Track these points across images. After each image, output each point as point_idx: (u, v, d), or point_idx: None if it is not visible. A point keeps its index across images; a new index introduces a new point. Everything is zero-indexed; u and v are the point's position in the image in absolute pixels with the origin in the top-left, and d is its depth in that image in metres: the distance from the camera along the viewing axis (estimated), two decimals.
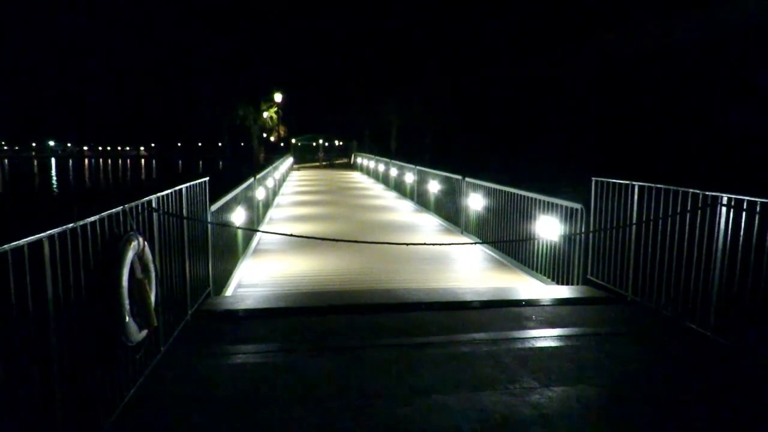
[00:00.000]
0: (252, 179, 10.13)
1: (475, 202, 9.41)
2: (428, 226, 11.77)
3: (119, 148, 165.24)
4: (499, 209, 8.38)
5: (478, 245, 9.03)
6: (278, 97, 45.47)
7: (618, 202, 5.53)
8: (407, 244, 6.29)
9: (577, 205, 6.15)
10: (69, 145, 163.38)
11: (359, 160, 35.88)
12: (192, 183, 4.94)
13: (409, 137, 44.36)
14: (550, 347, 4.23)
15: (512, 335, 4.51)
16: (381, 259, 8.09)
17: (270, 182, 14.63)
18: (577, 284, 6.16)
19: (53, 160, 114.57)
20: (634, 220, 5.30)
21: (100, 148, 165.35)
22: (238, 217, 7.51)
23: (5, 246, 2.17)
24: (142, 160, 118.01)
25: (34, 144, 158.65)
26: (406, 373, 3.72)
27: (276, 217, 13.37)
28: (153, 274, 3.51)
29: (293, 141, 49.24)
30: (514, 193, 7.76)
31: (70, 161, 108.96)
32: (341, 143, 50.85)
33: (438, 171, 12.83)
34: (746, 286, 4.07)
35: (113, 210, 3.16)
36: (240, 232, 7.77)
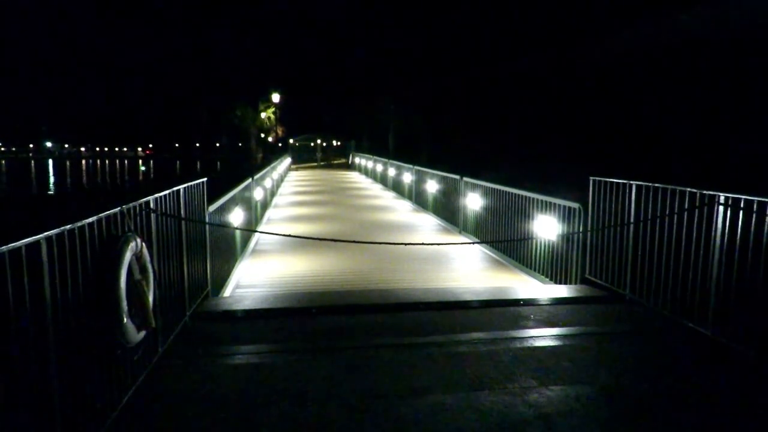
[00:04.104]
0: (250, 180, 10.12)
1: (473, 201, 9.42)
2: (426, 226, 11.78)
3: (117, 149, 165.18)
4: (498, 209, 8.39)
5: (476, 245, 9.04)
6: (276, 98, 45.48)
7: (616, 202, 5.54)
8: (405, 244, 6.31)
9: (576, 205, 6.15)
10: (66, 146, 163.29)
11: (357, 159, 35.88)
12: (190, 184, 4.94)
13: (407, 137, 44.36)
14: (549, 346, 4.23)
15: (511, 335, 4.52)
16: (379, 259, 8.09)
17: (268, 183, 14.62)
18: (576, 283, 6.17)
19: (50, 161, 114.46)
20: (632, 219, 5.31)
21: (97, 149, 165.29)
22: (236, 217, 7.50)
23: (2, 248, 2.16)
24: (140, 161, 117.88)
25: (31, 145, 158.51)
26: (404, 373, 3.72)
27: (274, 217, 13.36)
28: (151, 275, 3.50)
29: (291, 141, 49.25)
30: (512, 193, 7.77)
31: (68, 162, 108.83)
32: (339, 143, 50.87)
33: (436, 171, 12.83)
34: (744, 285, 4.08)
35: (111, 211, 3.16)
36: (238, 233, 7.77)
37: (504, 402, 3.28)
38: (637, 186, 5.24)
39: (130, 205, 3.46)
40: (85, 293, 2.75)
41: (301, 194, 19.67)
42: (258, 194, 11.31)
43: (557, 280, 6.53)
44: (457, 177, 10.62)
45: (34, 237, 2.37)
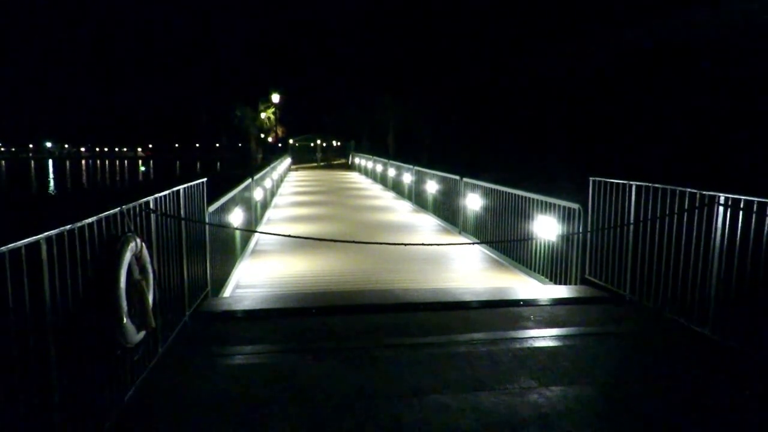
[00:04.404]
0: (250, 180, 10.12)
1: (473, 202, 9.42)
2: (426, 226, 11.78)
3: (116, 149, 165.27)
4: (497, 209, 8.38)
5: (476, 245, 9.04)
6: (276, 98, 45.45)
7: (616, 202, 5.54)
8: (405, 245, 6.30)
9: (575, 205, 6.15)
10: (66, 146, 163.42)
11: (357, 160, 35.87)
12: (190, 184, 4.93)
13: (407, 137, 44.37)
14: (549, 347, 4.23)
15: (511, 335, 4.52)
16: (379, 260, 8.09)
17: (268, 183, 14.61)
18: (575, 284, 6.17)
19: (50, 162, 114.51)
20: (632, 220, 5.31)
21: (97, 149, 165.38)
22: (236, 217, 7.50)
23: (2, 248, 2.16)
24: (140, 161, 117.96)
25: (31, 145, 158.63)
26: (404, 373, 3.72)
27: (274, 217, 13.36)
28: (151, 275, 3.50)
29: (291, 141, 49.25)
30: (512, 193, 7.77)
31: (68, 162, 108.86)
32: (339, 143, 50.86)
33: (436, 171, 12.83)
34: (744, 285, 4.08)
35: (111, 211, 3.16)
36: (238, 233, 7.76)
37: (504, 402, 3.28)
38: (637, 186, 5.24)
39: (130, 205, 3.46)
40: (85, 293, 2.75)
41: (301, 194, 19.66)
42: (258, 194, 11.31)
43: (557, 280, 6.53)
44: (457, 177, 10.62)
45: (34, 237, 2.37)
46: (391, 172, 20.10)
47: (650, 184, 5.04)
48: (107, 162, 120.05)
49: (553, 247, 6.60)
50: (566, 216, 6.31)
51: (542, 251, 6.91)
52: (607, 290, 5.74)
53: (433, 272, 7.44)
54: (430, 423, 3.05)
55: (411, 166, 16.05)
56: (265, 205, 13.87)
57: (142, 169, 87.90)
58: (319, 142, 48.92)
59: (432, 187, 12.92)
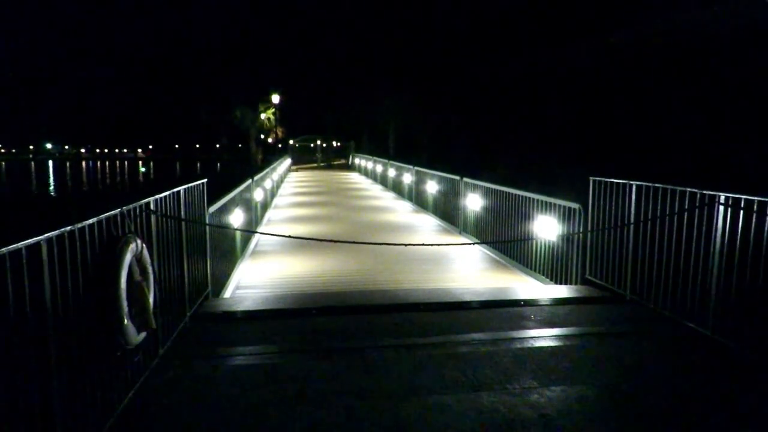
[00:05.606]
0: (250, 181, 10.12)
1: (473, 202, 9.42)
2: (426, 227, 11.78)
3: (116, 150, 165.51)
4: (498, 209, 8.39)
5: (476, 245, 9.04)
6: (276, 98, 45.42)
7: (616, 202, 5.54)
8: (405, 245, 6.30)
9: (575, 205, 6.16)
10: (66, 147, 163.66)
11: (357, 160, 35.90)
12: (190, 185, 4.94)
13: (407, 137, 44.35)
14: (549, 347, 4.23)
15: (511, 335, 4.52)
16: (379, 260, 8.09)
17: (268, 183, 14.62)
18: (576, 284, 6.17)
19: (50, 163, 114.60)
20: (632, 220, 5.31)
21: (97, 150, 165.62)
22: (237, 218, 7.50)
23: (3, 249, 2.16)
24: (140, 162, 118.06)
25: (31, 147, 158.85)
26: (405, 373, 3.72)
27: (274, 218, 13.36)
28: (151, 276, 3.50)
29: (291, 142, 49.26)
30: (512, 193, 7.77)
31: (68, 163, 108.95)
32: (339, 144, 50.87)
33: (436, 171, 12.84)
34: (745, 285, 4.08)
35: (111, 212, 3.16)
36: (238, 234, 7.77)
37: (504, 402, 3.28)
38: (637, 186, 5.24)
39: (131, 206, 3.46)
40: (85, 295, 2.75)
41: (301, 195, 19.67)
42: (258, 195, 11.31)
43: (557, 280, 6.53)
44: (457, 177, 10.63)
45: (34, 238, 2.37)
46: (391, 173, 20.11)
47: (650, 184, 5.05)
48: (107, 163, 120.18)
49: (554, 247, 6.60)
50: (566, 216, 6.32)
51: (543, 251, 6.91)
52: (608, 290, 5.74)
53: (433, 272, 7.44)
54: (430, 423, 3.05)
55: (411, 167, 16.05)
56: (266, 205, 13.87)
57: (142, 169, 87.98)
58: (319, 142, 48.92)
59: (432, 187, 12.92)
